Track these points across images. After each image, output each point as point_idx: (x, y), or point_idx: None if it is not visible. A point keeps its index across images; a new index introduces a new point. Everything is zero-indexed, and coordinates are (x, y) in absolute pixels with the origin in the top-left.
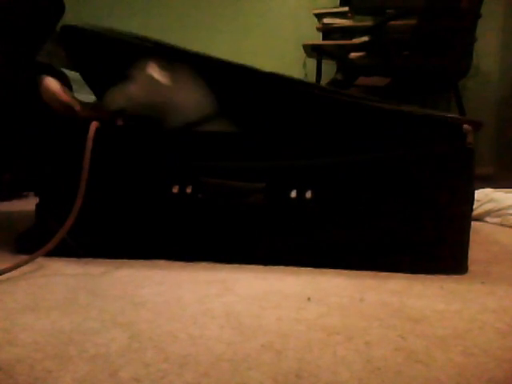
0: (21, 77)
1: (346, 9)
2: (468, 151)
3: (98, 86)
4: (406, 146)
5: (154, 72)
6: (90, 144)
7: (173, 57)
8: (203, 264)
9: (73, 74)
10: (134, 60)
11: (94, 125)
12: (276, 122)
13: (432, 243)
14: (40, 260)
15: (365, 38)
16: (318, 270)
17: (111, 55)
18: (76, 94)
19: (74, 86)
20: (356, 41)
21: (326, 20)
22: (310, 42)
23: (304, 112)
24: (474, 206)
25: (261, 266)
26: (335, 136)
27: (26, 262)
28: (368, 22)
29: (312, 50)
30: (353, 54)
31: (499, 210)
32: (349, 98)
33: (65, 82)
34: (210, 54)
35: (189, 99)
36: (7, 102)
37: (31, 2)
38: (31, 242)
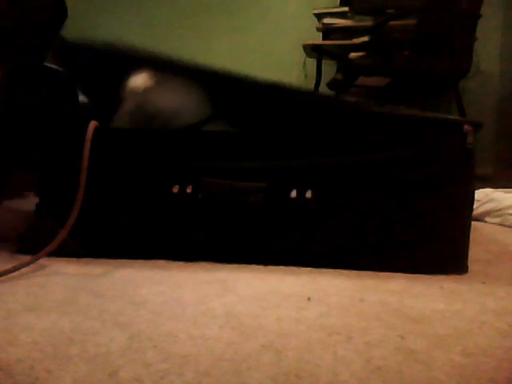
0: (27, 81)
1: (346, 9)
2: (468, 151)
3: (94, 95)
4: (407, 146)
5: (143, 83)
6: (88, 144)
7: (167, 69)
8: (203, 264)
9: None
10: (129, 71)
11: (92, 125)
12: (275, 123)
13: (432, 243)
14: (40, 260)
15: (365, 38)
16: (317, 270)
17: (106, 67)
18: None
19: None
20: (356, 41)
21: (326, 20)
22: (310, 42)
23: (303, 119)
24: (474, 206)
25: (261, 266)
26: (336, 137)
27: (28, 264)
28: (368, 22)
29: (312, 50)
30: (353, 54)
31: (499, 210)
32: (349, 105)
33: (68, 82)
34: (203, 65)
35: (184, 104)
36: (13, 107)
37: (35, 8)
38: (31, 242)
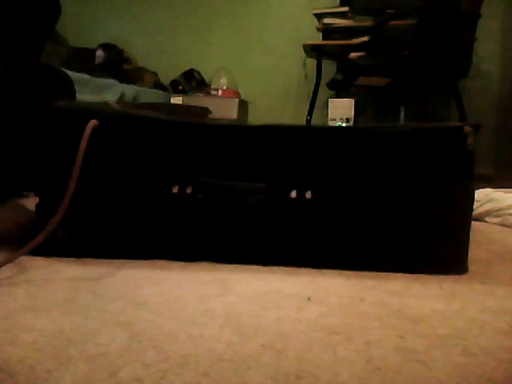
0: (22, 78)
1: (346, 9)
2: (468, 152)
3: None
4: (407, 147)
5: None
6: (84, 143)
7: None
8: (203, 264)
9: (73, 74)
10: None
11: (91, 124)
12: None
13: (432, 243)
14: (40, 260)
15: (365, 38)
16: (317, 270)
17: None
18: (77, 95)
19: (75, 87)
20: (356, 41)
21: (326, 20)
22: (310, 42)
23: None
24: (474, 206)
25: (261, 266)
26: (336, 139)
27: (5, 263)
28: (368, 22)
29: (312, 50)
30: (353, 54)
31: (499, 210)
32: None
33: (67, 82)
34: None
35: None
36: (8, 104)
37: (30, 5)
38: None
